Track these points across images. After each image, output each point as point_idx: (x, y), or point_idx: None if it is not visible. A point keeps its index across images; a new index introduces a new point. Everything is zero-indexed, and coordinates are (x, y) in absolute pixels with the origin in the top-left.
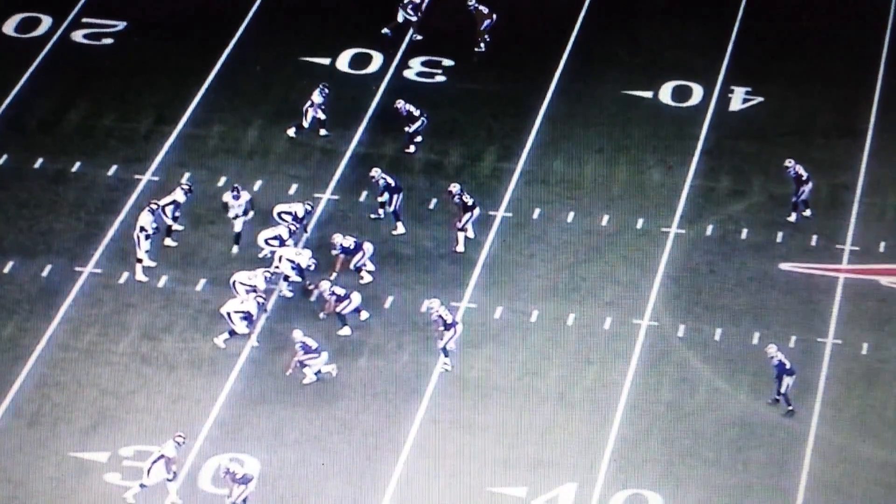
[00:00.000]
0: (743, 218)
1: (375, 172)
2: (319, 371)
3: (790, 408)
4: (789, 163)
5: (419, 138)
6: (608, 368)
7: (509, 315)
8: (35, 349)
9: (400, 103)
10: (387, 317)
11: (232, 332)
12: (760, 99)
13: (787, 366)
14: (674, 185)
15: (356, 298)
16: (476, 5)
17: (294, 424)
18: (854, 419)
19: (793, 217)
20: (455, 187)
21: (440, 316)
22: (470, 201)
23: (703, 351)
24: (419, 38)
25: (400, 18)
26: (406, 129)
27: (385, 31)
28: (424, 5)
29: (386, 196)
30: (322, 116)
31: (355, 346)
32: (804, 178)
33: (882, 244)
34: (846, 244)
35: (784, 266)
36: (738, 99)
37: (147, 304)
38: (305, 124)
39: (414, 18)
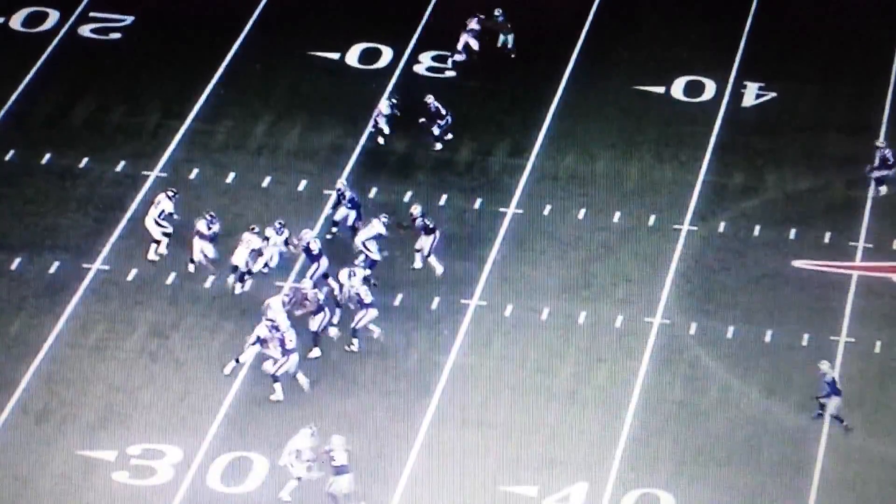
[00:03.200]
0: (756, 215)
1: (341, 184)
2: (290, 373)
3: (845, 423)
4: (881, 143)
5: (449, 136)
6: (620, 367)
7: (520, 312)
8: (42, 346)
9: (430, 99)
10: (396, 314)
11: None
12: (773, 94)
13: (838, 385)
14: (686, 182)
15: (371, 313)
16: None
17: (304, 422)
18: (867, 418)
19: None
20: (416, 209)
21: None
22: (431, 224)
23: (715, 349)
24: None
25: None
26: (425, 122)
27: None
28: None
29: (346, 213)
30: (385, 129)
31: (366, 343)
32: (891, 162)
33: (895, 242)
34: (859, 241)
35: (797, 263)
36: (751, 94)
37: (155, 301)
38: (385, 129)
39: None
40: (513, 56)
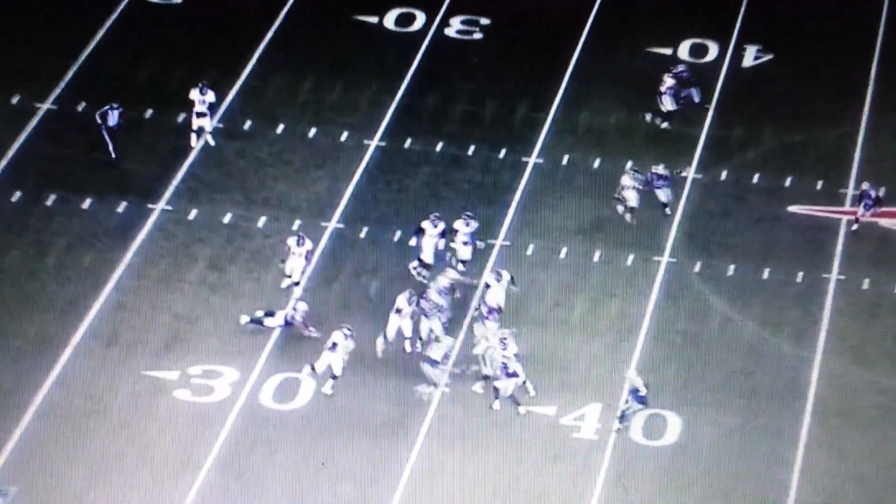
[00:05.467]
0: (754, 164)
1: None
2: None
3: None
4: (865, 185)
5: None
6: (630, 301)
7: (540, 252)
8: (112, 277)
9: (681, 67)
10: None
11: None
12: (770, 56)
13: (642, 394)
14: (691, 135)
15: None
16: None
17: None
18: (856, 348)
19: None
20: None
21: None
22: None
23: (716, 285)
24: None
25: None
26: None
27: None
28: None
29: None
30: (671, 107)
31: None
32: (873, 196)
33: (882, 189)
34: (849, 188)
35: (792, 208)
36: (750, 56)
37: (214, 238)
38: (664, 108)
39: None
40: (706, 106)
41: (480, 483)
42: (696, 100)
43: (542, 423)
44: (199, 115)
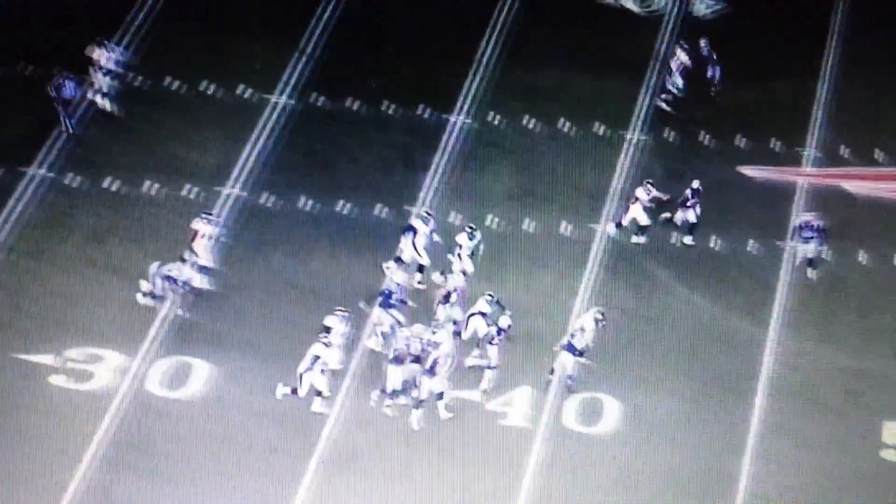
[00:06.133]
0: (703, 123)
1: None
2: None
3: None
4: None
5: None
6: (565, 274)
7: (464, 220)
8: None
9: (703, 41)
10: (341, 220)
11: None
12: (723, 5)
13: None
14: (634, 92)
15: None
16: None
17: (246, 331)
18: (815, 324)
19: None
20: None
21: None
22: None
23: (660, 255)
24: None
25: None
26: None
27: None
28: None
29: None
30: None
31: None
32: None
33: (844, 148)
34: (807, 148)
35: (743, 170)
36: (702, 5)
37: (95, 207)
38: (674, 89)
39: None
40: (713, 90)
41: (399, 475)
42: (717, 79)
43: (466, 410)
44: (106, 73)
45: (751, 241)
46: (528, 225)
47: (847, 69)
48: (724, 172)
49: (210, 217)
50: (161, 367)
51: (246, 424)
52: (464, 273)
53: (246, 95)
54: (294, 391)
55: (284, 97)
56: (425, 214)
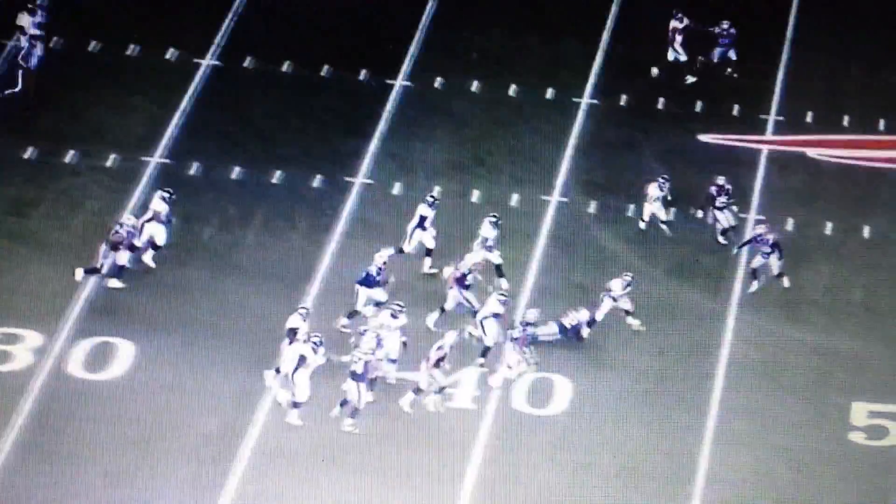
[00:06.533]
0: (660, 86)
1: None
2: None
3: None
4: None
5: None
6: (515, 248)
7: (408, 192)
8: None
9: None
10: (276, 191)
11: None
12: None
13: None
14: (587, 53)
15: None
16: None
17: (174, 310)
18: (778, 300)
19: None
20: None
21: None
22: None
23: (616, 229)
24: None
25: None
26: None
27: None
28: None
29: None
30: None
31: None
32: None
33: (809, 114)
34: (770, 114)
35: (703, 138)
36: None
37: (13, 177)
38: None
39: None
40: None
41: (338, 460)
42: (734, 59)
43: (409, 392)
44: (33, 37)
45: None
46: (476, 196)
47: (812, 32)
48: (682, 140)
49: (170, 195)
50: (83, 347)
51: (173, 407)
52: (499, 271)
53: (175, 59)
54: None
55: (216, 60)
56: (431, 199)
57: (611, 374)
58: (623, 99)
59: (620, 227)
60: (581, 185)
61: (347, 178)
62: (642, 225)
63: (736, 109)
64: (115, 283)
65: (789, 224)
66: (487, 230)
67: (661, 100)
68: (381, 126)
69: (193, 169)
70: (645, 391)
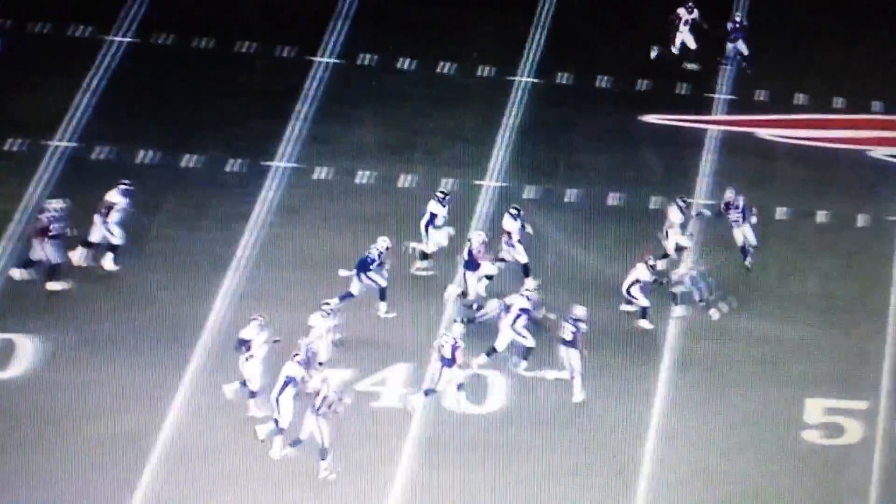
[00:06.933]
0: (601, 64)
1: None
2: None
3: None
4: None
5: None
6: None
7: (334, 176)
8: None
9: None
10: (190, 175)
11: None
12: None
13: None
14: (524, 29)
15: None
16: None
17: (77, 303)
18: (726, 288)
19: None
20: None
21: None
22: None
23: (554, 214)
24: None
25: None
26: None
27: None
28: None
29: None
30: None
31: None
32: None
33: (759, 92)
34: (718, 93)
35: (647, 118)
36: None
37: None
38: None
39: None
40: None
41: (257, 464)
42: (745, 52)
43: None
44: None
45: (654, 198)
46: (406, 180)
47: (764, 7)
48: (623, 121)
49: (128, 187)
50: None
51: (76, 407)
52: (525, 270)
53: (80, 34)
54: (277, 425)
55: (127, 37)
56: (441, 196)
57: (546, 369)
58: (562, 77)
59: (558, 213)
60: (517, 168)
61: (266, 162)
62: (672, 253)
63: (682, 88)
64: (53, 285)
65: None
66: (509, 224)
67: (602, 78)
68: (305, 106)
69: (102, 153)
70: (584, 386)
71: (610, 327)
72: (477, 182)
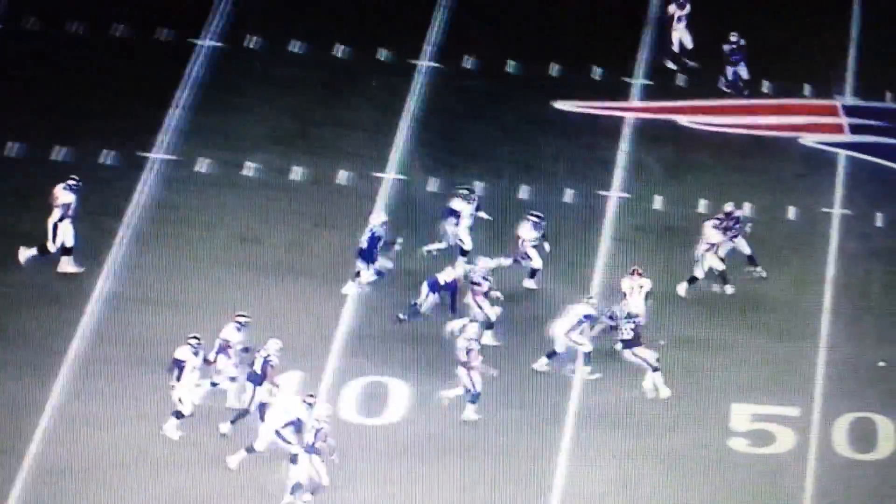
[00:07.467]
0: (510, 48)
1: None
2: None
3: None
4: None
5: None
6: (342, 232)
7: (218, 169)
8: None
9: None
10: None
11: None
12: None
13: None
14: (427, 8)
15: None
16: None
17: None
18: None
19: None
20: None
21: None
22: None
23: None
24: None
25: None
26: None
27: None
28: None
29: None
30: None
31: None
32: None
33: (680, 77)
34: (636, 77)
35: (559, 105)
36: None
37: None
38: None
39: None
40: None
41: (149, 481)
42: (745, 76)
43: (220, 405)
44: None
45: (568, 191)
46: (298, 173)
47: None
48: (535, 108)
49: (76, 183)
50: None
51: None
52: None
53: None
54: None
55: None
56: (466, 192)
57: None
58: (468, 61)
59: None
60: (420, 159)
61: (143, 154)
62: (699, 274)
63: (596, 73)
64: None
65: (657, 202)
66: (527, 231)
67: (512, 63)
68: (185, 94)
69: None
70: (490, 393)
71: (520, 331)
72: (376, 174)
